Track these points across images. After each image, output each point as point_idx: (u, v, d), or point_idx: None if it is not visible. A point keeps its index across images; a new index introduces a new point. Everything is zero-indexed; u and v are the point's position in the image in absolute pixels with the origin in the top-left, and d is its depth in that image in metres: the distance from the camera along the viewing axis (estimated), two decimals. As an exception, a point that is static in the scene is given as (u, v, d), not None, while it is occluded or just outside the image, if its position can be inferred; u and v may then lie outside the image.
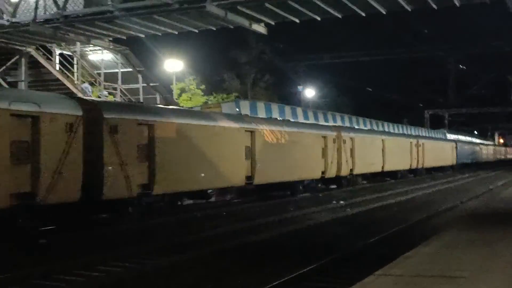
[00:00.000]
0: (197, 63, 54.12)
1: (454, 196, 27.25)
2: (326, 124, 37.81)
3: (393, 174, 40.62)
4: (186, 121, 18.93)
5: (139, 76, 32.80)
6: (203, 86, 52.65)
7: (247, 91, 61.83)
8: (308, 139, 27.16)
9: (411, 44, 65.94)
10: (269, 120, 26.60)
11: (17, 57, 27.11)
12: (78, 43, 29.20)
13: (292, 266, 10.66)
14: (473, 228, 12.33)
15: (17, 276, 10.17)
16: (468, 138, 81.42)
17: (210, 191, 20.81)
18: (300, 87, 63.49)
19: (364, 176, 36.00)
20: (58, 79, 28.39)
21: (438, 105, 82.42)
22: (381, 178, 38.88)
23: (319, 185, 29.24)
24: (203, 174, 19.31)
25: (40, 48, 28.20)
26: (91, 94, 28.40)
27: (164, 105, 28.73)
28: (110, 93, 32.99)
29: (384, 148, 37.23)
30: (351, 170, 31.66)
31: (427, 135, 63.60)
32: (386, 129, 53.87)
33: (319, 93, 69.26)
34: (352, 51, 69.94)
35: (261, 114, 32.71)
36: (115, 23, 21.29)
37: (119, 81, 31.85)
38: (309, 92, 63.85)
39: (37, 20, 21.37)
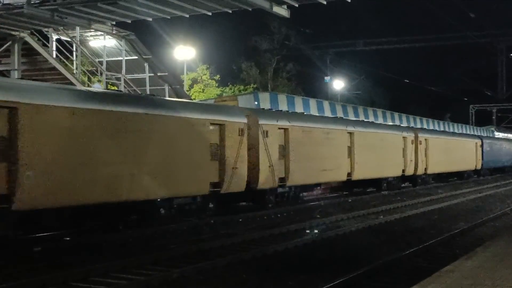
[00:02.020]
0: (211, 50, 54.56)
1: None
2: (232, 106, 26.72)
3: (376, 184, 32.13)
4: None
5: (146, 64, 32.95)
6: (217, 77, 52.98)
7: (268, 82, 61.94)
8: (181, 129, 18.32)
9: (456, 30, 65.51)
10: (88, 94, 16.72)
11: (9, 43, 27.32)
12: (77, 28, 29.39)
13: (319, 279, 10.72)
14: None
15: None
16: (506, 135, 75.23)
17: None
18: (327, 78, 63.45)
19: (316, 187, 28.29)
20: (55, 68, 28.62)
21: (485, 99, 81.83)
22: (363, 190, 31.61)
23: (210, 205, 20.93)
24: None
25: (35, 33, 28.46)
26: None
27: (175, 97, 28.89)
28: (113, 84, 33.24)
29: (352, 145, 28.35)
30: (283, 179, 23.37)
31: (472, 133, 62.86)
32: (425, 126, 53.40)
33: (349, 84, 69.18)
34: (389, 37, 69.74)
35: (283, 107, 32.77)
36: (120, 5, 21.41)
37: (123, 70, 32.03)
38: (338, 84, 63.80)
39: (32, 2, 21.57)
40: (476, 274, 8.83)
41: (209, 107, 22.56)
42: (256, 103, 31.94)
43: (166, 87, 33.48)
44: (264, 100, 33.02)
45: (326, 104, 40.72)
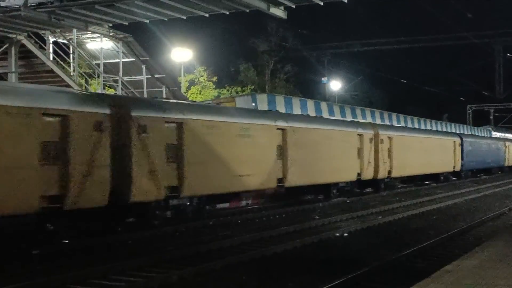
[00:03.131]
0: (208, 52, 54.65)
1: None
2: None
3: (324, 190, 26.92)
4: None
5: (143, 67, 32.93)
6: (214, 78, 53.04)
7: (265, 83, 62.06)
8: None
9: (453, 30, 65.60)
10: None
11: (6, 45, 27.29)
12: (74, 30, 29.40)
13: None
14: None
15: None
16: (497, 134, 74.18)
17: None
18: (324, 79, 63.48)
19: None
20: (52, 71, 28.59)
21: (483, 100, 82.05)
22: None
23: (50, 227, 15.40)
24: None
25: (32, 35, 28.44)
26: None
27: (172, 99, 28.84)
28: (110, 86, 33.23)
29: (285, 143, 23.32)
30: (176, 189, 18.15)
31: (470, 132, 62.80)
32: (422, 127, 53.31)
33: (347, 85, 69.26)
34: (386, 38, 69.82)
35: (281, 109, 32.79)
36: (117, 7, 21.39)
37: (120, 73, 32.02)
38: (335, 85, 63.80)
39: (28, 4, 21.55)
40: (475, 273, 8.85)
41: (42, 92, 15.38)
42: (253, 104, 31.97)
43: (164, 89, 33.49)
44: (262, 101, 33.07)
45: (323, 104, 40.77)
